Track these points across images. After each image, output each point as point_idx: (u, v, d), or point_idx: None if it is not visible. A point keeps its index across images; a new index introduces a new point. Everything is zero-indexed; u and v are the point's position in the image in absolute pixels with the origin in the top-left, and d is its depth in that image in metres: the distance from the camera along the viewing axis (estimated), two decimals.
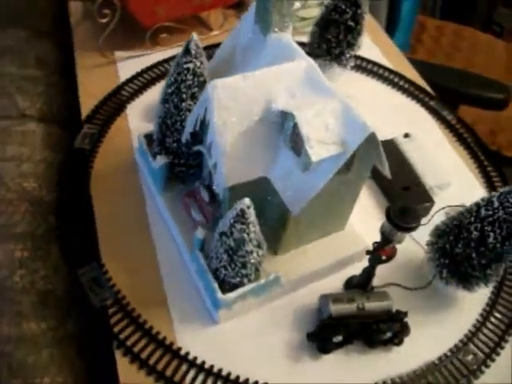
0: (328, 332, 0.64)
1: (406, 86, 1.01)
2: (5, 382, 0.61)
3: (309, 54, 0.97)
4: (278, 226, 0.66)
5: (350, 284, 0.71)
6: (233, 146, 0.58)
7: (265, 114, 0.57)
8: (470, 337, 0.69)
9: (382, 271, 0.73)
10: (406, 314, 0.66)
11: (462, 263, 0.66)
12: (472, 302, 0.73)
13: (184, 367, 0.62)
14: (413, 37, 2.02)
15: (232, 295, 0.62)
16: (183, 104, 0.65)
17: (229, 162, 0.59)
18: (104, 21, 0.86)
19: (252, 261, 0.61)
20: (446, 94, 1.34)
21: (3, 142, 0.86)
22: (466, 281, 0.67)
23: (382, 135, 0.86)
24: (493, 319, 0.72)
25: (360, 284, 0.69)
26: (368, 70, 1.02)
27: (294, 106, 0.56)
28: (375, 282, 0.71)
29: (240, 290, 0.63)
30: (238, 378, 0.62)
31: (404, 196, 0.80)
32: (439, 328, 0.70)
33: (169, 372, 0.61)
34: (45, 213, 0.78)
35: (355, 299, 0.65)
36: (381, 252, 0.62)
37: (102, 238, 0.72)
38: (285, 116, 0.57)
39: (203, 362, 0.63)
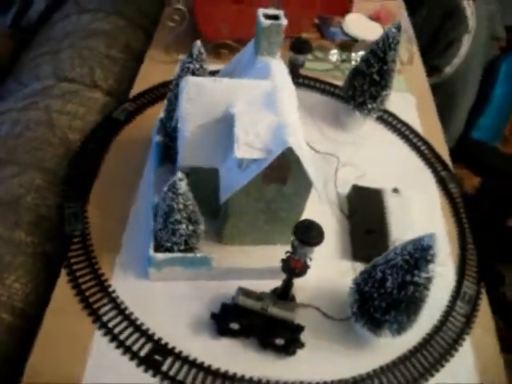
0: (227, 316, 0.72)
1: (426, 150, 1.05)
2: None
3: (340, 96, 1.07)
4: (222, 216, 0.76)
5: (275, 293, 0.77)
6: (192, 133, 0.70)
7: (223, 115, 0.69)
8: (364, 378, 0.72)
9: (316, 295, 0.79)
10: (302, 328, 0.72)
11: (367, 302, 0.70)
12: (388, 349, 0.75)
13: (105, 300, 0.74)
14: (508, 128, 1.98)
15: (159, 255, 0.73)
16: None
17: (187, 146, 0.71)
18: (173, 25, 1.04)
19: (181, 231, 0.71)
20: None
21: (68, 100, 1.06)
22: (371, 323, 0.71)
23: (377, 184, 0.93)
24: (396, 371, 0.74)
25: (281, 294, 0.76)
26: (392, 125, 1.08)
27: (245, 114, 0.67)
28: (303, 300, 0.78)
29: (168, 255, 0.74)
30: (142, 324, 0.72)
31: (363, 238, 0.85)
32: (340, 359, 0.74)
33: (92, 299, 0.74)
34: (73, 160, 0.95)
35: (263, 300, 0.72)
36: (291, 262, 0.69)
37: (96, 187, 0.88)
38: None
39: (121, 302, 0.74)
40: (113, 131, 0.96)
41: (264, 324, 0.72)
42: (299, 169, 0.66)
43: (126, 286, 0.76)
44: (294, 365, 0.72)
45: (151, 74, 1.09)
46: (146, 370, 0.69)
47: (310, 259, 0.69)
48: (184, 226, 0.71)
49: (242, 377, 0.70)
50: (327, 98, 1.12)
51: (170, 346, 0.71)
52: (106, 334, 0.71)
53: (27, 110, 1.04)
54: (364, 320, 0.72)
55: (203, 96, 0.69)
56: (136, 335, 0.71)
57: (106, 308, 0.73)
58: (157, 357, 0.70)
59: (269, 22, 0.70)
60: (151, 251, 0.74)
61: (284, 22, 0.70)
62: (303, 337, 0.73)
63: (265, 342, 0.72)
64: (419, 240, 0.62)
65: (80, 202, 0.85)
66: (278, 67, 0.74)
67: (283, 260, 0.70)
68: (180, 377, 0.68)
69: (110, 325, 0.72)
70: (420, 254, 0.61)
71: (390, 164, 1.01)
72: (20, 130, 0.99)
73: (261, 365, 0.72)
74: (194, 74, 0.77)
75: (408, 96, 1.17)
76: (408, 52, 1.21)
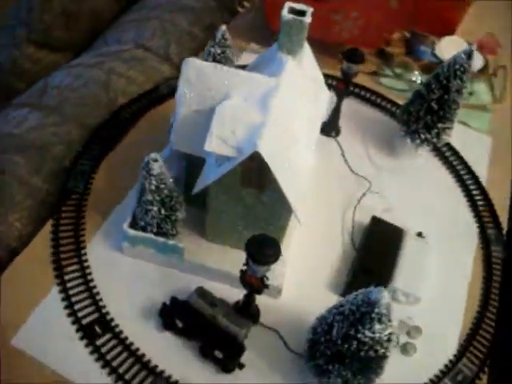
0: (174, 311, 0.68)
1: (480, 201, 0.91)
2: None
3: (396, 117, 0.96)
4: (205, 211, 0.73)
5: (236, 305, 0.72)
6: (185, 117, 0.67)
7: (216, 104, 0.65)
8: None
9: (285, 321, 0.73)
10: (243, 348, 0.66)
11: (315, 345, 0.62)
12: None
13: (74, 259, 0.75)
14: None
15: (132, 231, 0.72)
16: None
17: (178, 130, 0.69)
18: (242, 11, 1.01)
19: (152, 213, 0.69)
20: None
21: (133, 66, 1.09)
22: (316, 368, 0.63)
23: (404, 222, 0.83)
24: None
25: (240, 308, 0.71)
26: (450, 164, 0.95)
27: (230, 108, 0.62)
28: (269, 322, 0.72)
29: (140, 233, 0.72)
30: (97, 293, 0.72)
31: (360, 276, 0.76)
32: None
33: (63, 255, 0.75)
34: (103, 122, 0.96)
35: (215, 307, 0.68)
36: (247, 277, 0.63)
37: (114, 153, 0.89)
38: None
39: (88, 267, 0.75)
40: (151, 103, 0.97)
41: (208, 331, 0.67)
42: (272, 179, 0.60)
43: (99, 252, 0.77)
44: (228, 383, 0.67)
45: None
46: (81, 338, 0.68)
47: (267, 278, 0.63)
48: (156, 208, 0.69)
49: (168, 377, 0.66)
50: (386, 117, 1.02)
51: (113, 323, 0.70)
52: (60, 292, 0.72)
53: (92, 68, 1.08)
54: (312, 363, 0.64)
55: (201, 81, 0.65)
56: (87, 302, 0.71)
57: (72, 268, 0.74)
58: (97, 329, 0.69)
59: (290, 16, 0.64)
60: (125, 225, 0.73)
61: (308, 19, 0.64)
62: (250, 357, 0.67)
63: (204, 349, 0.68)
64: (368, 292, 0.53)
65: (92, 162, 0.87)
66: (297, 67, 0.68)
67: (241, 271, 0.65)
68: (109, 356, 0.67)
69: (68, 285, 0.72)
70: (365, 308, 0.52)
71: (429, 204, 0.89)
72: (77, 85, 1.04)
73: (194, 371, 0.68)
74: (214, 58, 0.74)
75: (485, 137, 1.02)
76: (500, 89, 1.06)
